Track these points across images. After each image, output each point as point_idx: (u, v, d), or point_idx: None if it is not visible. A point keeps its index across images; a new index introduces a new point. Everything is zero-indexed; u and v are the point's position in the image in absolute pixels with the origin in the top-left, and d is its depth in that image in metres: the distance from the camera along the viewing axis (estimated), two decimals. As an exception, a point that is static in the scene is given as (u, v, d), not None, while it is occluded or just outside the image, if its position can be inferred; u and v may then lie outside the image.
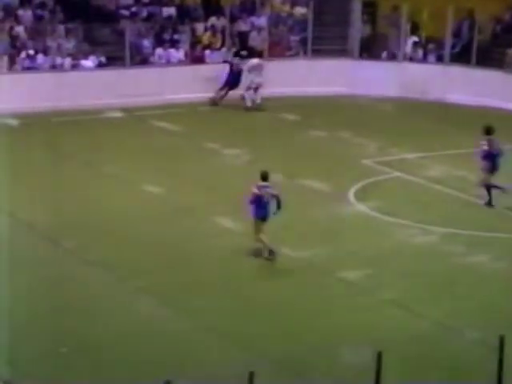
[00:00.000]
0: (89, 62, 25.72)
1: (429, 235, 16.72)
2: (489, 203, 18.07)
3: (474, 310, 13.93)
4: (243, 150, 21.58)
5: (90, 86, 24.72)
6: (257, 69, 25.57)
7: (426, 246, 16.34)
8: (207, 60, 26.85)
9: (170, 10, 27.60)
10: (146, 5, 27.61)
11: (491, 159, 17.84)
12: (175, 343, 12.52)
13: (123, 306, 13.64)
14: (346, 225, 17.25)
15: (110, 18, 26.68)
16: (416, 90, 26.10)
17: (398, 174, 20.25)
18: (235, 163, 20.74)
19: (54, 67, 25.30)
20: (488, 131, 18.10)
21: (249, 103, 25.29)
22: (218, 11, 27.74)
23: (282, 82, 25.99)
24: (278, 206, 15.41)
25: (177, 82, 25.66)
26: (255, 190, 15.37)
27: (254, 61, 25.77)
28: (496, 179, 18.05)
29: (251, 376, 9.15)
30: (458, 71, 26.43)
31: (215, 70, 25.92)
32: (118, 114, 24.61)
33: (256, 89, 25.37)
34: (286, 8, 28.55)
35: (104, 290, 14.16)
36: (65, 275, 14.54)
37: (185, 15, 27.53)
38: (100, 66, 25.77)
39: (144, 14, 27.37)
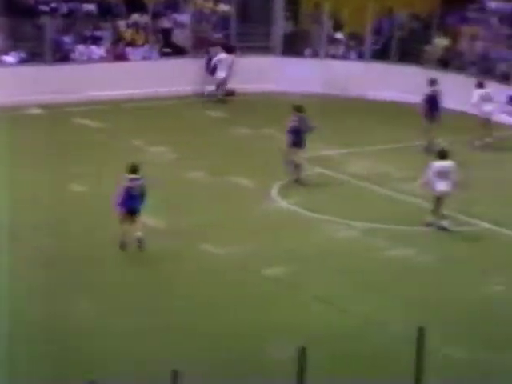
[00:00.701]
0: (10, 58, 25.40)
1: (352, 230, 16.95)
2: (296, 180, 19.12)
3: (398, 304, 14.17)
4: (169, 148, 21.54)
5: (11, 82, 24.37)
6: (222, 63, 25.74)
7: (350, 242, 16.57)
8: (130, 57, 26.73)
9: (90, 7, 27.35)
10: (65, 0, 27.31)
11: (297, 134, 19.08)
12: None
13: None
14: (270, 222, 17.37)
15: (30, 13, 26.34)
16: (338, 86, 26.41)
17: (321, 170, 20.46)
18: (161, 161, 20.72)
19: (-25, 63, 25.00)
20: (298, 109, 19.40)
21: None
22: (140, 8, 27.59)
23: (207, 80, 26.06)
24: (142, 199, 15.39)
25: (99, 79, 25.46)
26: (123, 182, 15.34)
27: (222, 56, 25.79)
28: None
29: (175, 375, 9.19)
30: (378, 68, 26.86)
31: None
32: (39, 111, 24.31)
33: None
34: (209, 5, 28.52)
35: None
36: None
37: (106, 11, 27.33)
38: (21, 61, 25.46)
39: (64, 9, 27.06)
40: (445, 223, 17.01)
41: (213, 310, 13.75)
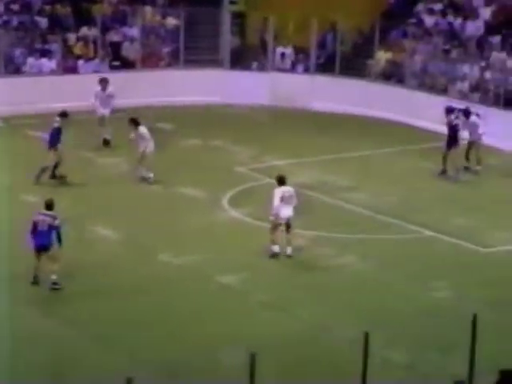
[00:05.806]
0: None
1: (300, 239, 17.47)
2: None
3: (344, 310, 14.73)
4: (119, 159, 21.97)
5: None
6: None
7: (299, 250, 17.01)
8: (80, 70, 27.12)
9: (40, 19, 27.62)
10: (16, 13, 27.55)
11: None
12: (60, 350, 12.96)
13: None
14: (220, 231, 17.89)
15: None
16: (285, 99, 27.11)
17: (269, 180, 20.97)
18: (112, 172, 21.16)
19: None
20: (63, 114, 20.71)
21: None
22: (89, 21, 27.95)
23: (156, 93, 26.44)
24: (59, 239, 14.67)
25: (50, 91, 25.76)
26: (33, 217, 14.78)
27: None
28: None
29: (129, 382, 9.49)
30: (323, 80, 27.63)
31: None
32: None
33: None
34: (158, 19, 29.03)
35: None
36: None
37: (56, 24, 27.61)
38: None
39: (15, 22, 27.32)
40: (288, 250, 16.60)
41: (166, 317, 14.21)
